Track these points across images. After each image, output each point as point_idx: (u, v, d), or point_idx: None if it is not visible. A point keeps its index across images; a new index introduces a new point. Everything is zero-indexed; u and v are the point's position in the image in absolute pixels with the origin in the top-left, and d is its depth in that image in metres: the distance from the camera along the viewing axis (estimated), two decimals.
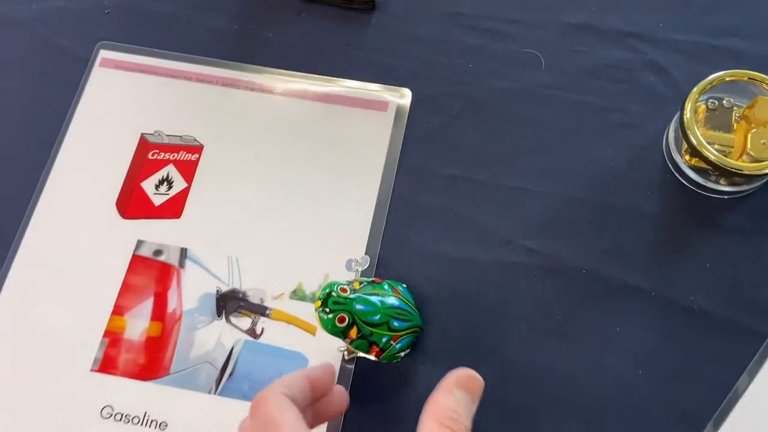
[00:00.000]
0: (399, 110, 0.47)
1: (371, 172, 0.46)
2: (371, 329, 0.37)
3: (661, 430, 0.38)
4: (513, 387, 0.40)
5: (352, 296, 0.37)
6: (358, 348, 0.37)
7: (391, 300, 0.38)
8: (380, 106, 0.48)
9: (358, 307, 0.37)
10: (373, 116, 0.47)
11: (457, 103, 0.48)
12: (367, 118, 0.47)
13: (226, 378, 0.40)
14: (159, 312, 0.42)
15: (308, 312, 0.42)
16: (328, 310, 0.36)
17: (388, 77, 0.49)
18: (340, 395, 0.35)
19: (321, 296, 0.36)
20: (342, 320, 0.36)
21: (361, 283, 0.38)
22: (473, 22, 0.50)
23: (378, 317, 0.37)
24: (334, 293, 0.36)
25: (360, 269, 0.41)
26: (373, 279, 0.40)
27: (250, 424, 0.30)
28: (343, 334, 0.37)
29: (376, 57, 0.49)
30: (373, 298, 0.38)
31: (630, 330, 0.41)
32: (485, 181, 0.45)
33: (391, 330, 0.37)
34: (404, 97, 0.48)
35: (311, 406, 0.33)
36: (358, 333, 0.36)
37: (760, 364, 0.39)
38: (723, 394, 0.39)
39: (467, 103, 0.48)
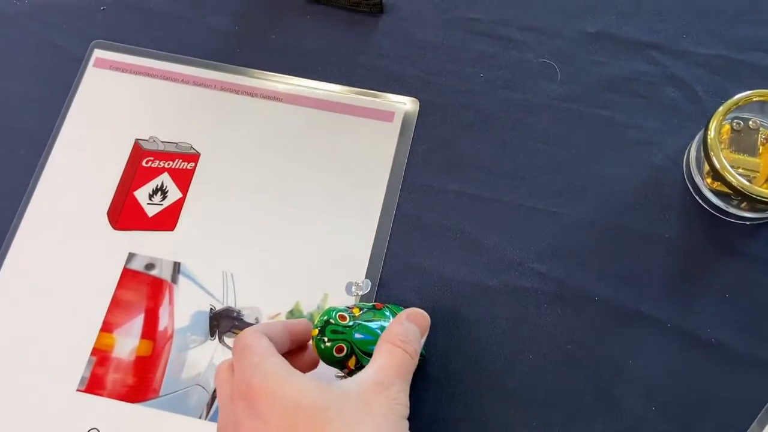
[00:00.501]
0: (405, 121, 0.45)
1: (375, 186, 0.44)
2: (370, 359, 0.35)
3: None
4: (519, 418, 0.38)
5: (351, 324, 0.35)
6: None
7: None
8: (386, 116, 0.45)
9: (357, 336, 0.35)
10: (378, 126, 0.45)
11: (467, 115, 0.46)
12: (372, 129, 0.45)
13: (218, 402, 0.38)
14: (150, 330, 0.40)
15: None
16: (326, 339, 0.34)
17: (395, 85, 0.46)
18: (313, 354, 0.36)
19: (319, 324, 0.34)
20: (340, 350, 0.34)
21: (361, 309, 0.36)
22: (486, 28, 0.48)
23: None
24: (332, 321, 0.34)
25: (360, 293, 0.39)
26: (374, 304, 0.38)
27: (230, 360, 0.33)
28: (340, 364, 0.35)
29: (383, 63, 0.47)
30: (374, 326, 0.36)
31: (643, 362, 0.39)
32: (495, 198, 0.43)
33: None
34: (412, 106, 0.46)
35: (288, 355, 0.34)
36: (356, 363, 0.35)
37: None
38: None
39: (478, 115, 0.45)
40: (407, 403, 0.31)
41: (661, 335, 0.39)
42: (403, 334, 0.34)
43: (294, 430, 0.28)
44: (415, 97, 0.46)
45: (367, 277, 0.41)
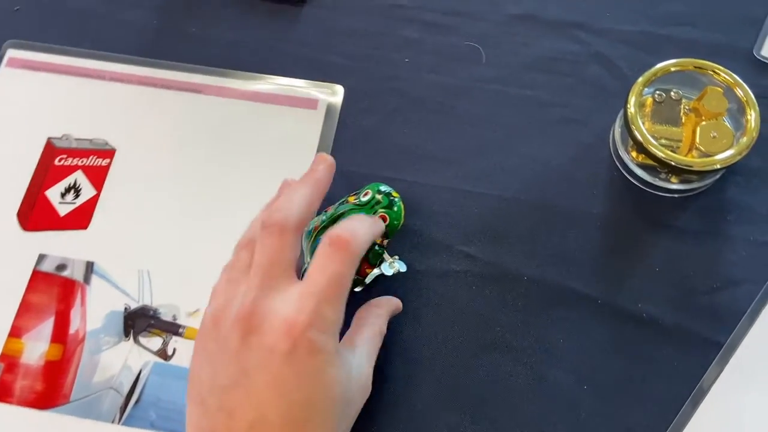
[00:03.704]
0: (330, 108, 0.44)
1: (299, 176, 0.42)
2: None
3: None
4: (447, 405, 0.36)
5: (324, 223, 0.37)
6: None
7: (349, 205, 0.38)
8: (309, 103, 0.44)
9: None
10: (301, 115, 0.44)
11: (392, 100, 0.45)
12: (296, 117, 0.44)
13: (132, 405, 0.36)
14: (60, 333, 0.38)
15: None
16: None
17: (319, 73, 0.45)
18: None
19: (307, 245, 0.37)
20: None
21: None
22: (411, 14, 0.47)
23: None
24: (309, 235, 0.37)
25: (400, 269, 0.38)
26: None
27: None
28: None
29: (306, 52, 0.46)
30: (340, 208, 0.38)
31: (574, 341, 0.37)
32: (422, 183, 0.42)
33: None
34: (335, 94, 0.45)
35: None
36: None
37: (715, 376, 0.36)
38: (674, 411, 0.36)
39: (403, 100, 0.45)
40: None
41: (592, 313, 0.38)
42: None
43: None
44: (340, 84, 0.45)
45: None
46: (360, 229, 0.33)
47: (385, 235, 0.37)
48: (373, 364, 0.34)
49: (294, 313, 0.29)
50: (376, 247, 0.36)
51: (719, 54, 0.42)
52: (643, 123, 0.38)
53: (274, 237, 0.31)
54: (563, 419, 0.36)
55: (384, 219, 0.36)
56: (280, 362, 0.29)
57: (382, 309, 0.37)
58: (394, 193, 0.38)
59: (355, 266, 0.32)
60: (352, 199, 0.38)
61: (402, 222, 0.37)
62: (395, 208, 0.37)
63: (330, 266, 0.31)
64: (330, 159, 0.36)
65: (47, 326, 0.38)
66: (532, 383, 0.37)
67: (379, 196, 0.37)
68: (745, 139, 0.37)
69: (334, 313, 0.30)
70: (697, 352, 0.37)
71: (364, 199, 0.38)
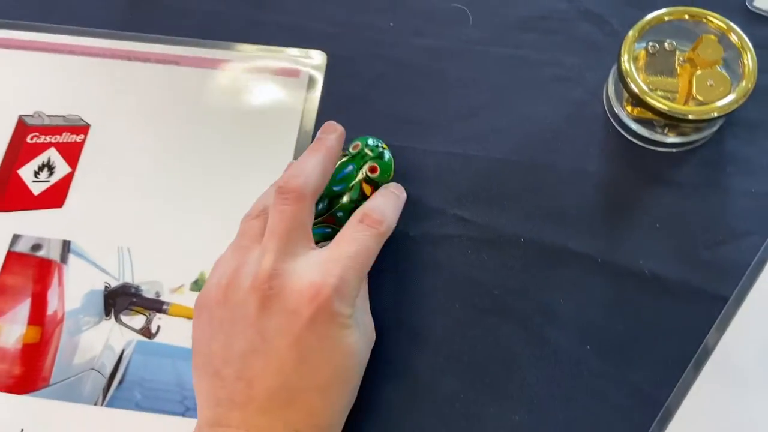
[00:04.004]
0: (312, 75, 0.42)
1: (283, 145, 0.41)
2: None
3: (614, 411, 0.34)
4: (449, 371, 0.35)
5: None
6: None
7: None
8: (291, 72, 0.43)
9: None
10: (283, 83, 0.42)
11: (377, 66, 0.43)
12: (278, 86, 0.42)
13: (115, 386, 0.35)
14: (37, 315, 0.36)
15: None
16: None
17: (300, 40, 0.44)
18: None
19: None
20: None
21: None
22: None
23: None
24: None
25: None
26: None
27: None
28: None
29: (286, 19, 0.44)
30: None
31: (575, 301, 0.36)
32: (411, 148, 0.40)
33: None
34: (318, 60, 0.43)
35: None
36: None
37: (721, 331, 0.35)
38: (681, 368, 0.34)
39: (389, 65, 0.43)
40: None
41: (592, 272, 0.37)
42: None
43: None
44: (322, 51, 0.43)
45: None
46: (388, 209, 0.34)
47: (375, 187, 0.36)
48: (368, 309, 0.34)
49: (320, 277, 0.29)
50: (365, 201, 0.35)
51: (711, 7, 0.41)
52: (638, 75, 0.37)
53: (290, 203, 0.31)
54: (567, 380, 0.34)
55: (374, 170, 0.36)
56: (303, 326, 0.28)
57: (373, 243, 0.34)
58: (383, 145, 0.37)
59: (381, 245, 0.32)
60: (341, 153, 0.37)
61: (392, 174, 0.37)
62: (385, 159, 0.36)
63: (360, 238, 0.31)
64: (340, 128, 0.36)
65: (23, 308, 0.36)
66: (534, 346, 0.35)
67: (367, 149, 0.37)
68: (744, 83, 0.36)
69: (357, 282, 0.30)
70: (701, 308, 0.36)
71: (354, 151, 0.37)
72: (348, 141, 0.37)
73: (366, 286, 0.34)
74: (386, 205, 0.34)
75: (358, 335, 0.31)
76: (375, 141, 0.37)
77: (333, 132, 0.35)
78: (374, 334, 0.33)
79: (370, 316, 0.34)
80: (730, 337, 0.35)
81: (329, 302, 0.29)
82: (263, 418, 0.28)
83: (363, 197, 0.35)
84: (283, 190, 0.31)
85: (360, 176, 0.36)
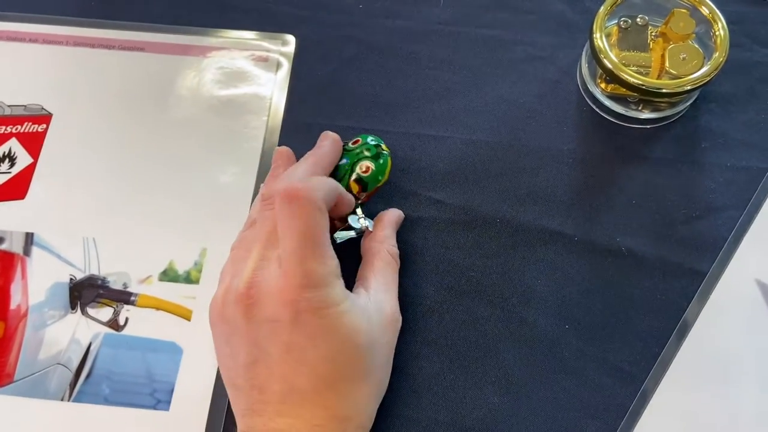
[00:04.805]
0: (281, 59, 0.42)
1: (252, 130, 0.40)
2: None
3: (594, 390, 0.33)
4: (425, 355, 0.34)
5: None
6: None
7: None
8: (260, 57, 0.42)
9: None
10: (252, 68, 0.41)
11: (347, 48, 0.42)
12: (246, 71, 0.41)
13: (83, 381, 0.34)
14: (0, 310, 0.35)
15: (182, 294, 0.35)
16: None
17: (268, 25, 0.43)
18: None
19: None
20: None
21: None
22: None
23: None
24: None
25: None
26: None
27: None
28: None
29: (254, 4, 0.43)
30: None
31: (552, 281, 0.36)
32: (383, 130, 0.39)
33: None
34: (287, 44, 0.42)
35: None
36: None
37: (700, 305, 0.35)
38: (660, 345, 0.34)
39: (359, 47, 0.42)
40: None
41: (568, 250, 0.36)
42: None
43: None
44: (291, 35, 0.42)
45: None
46: (312, 180, 0.31)
47: (363, 187, 0.34)
48: (394, 291, 0.33)
49: (284, 278, 0.28)
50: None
51: None
52: (611, 51, 0.37)
53: (271, 210, 0.30)
54: (546, 361, 0.34)
55: (367, 169, 0.35)
56: (288, 330, 0.28)
57: (383, 230, 0.35)
58: (384, 147, 0.36)
59: (320, 211, 0.29)
60: None
61: (386, 179, 0.35)
62: (381, 161, 0.35)
63: (293, 224, 0.29)
64: (334, 135, 0.35)
65: None
66: (512, 327, 0.35)
67: (365, 148, 0.35)
68: (716, 54, 0.35)
69: (321, 266, 0.29)
70: (679, 283, 0.35)
71: (352, 146, 0.36)
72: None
73: (393, 271, 0.34)
74: (306, 176, 0.32)
75: (359, 316, 0.29)
76: (376, 140, 0.36)
77: (326, 139, 0.35)
78: (397, 318, 0.32)
79: (393, 299, 0.33)
80: (709, 312, 0.35)
81: (302, 299, 0.28)
82: (282, 420, 0.28)
83: (350, 194, 0.34)
84: (264, 197, 0.31)
85: (351, 172, 0.35)
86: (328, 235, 0.30)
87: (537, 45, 0.42)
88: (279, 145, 0.39)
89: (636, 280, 0.36)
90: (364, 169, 0.35)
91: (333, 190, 0.32)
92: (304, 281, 0.28)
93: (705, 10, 0.37)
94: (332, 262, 0.29)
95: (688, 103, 0.39)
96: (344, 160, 0.35)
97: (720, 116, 0.39)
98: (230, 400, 0.31)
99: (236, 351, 0.29)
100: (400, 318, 0.33)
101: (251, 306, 0.29)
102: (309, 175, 0.32)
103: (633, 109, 0.39)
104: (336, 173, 0.35)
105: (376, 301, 0.32)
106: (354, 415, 0.29)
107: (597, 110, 0.40)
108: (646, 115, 0.39)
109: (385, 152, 0.36)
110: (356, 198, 0.35)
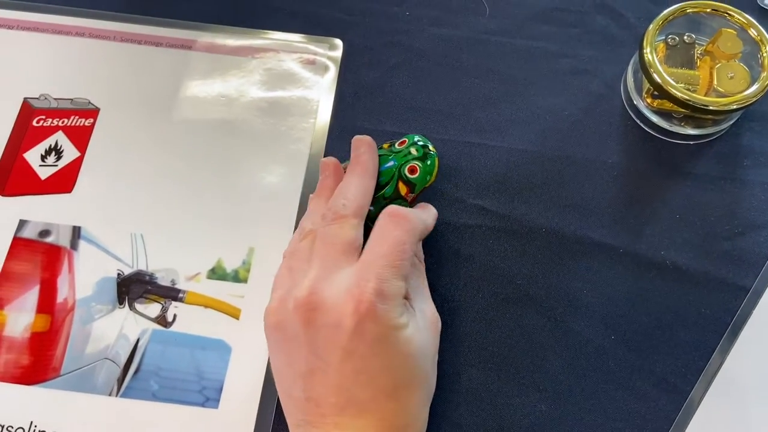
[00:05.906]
0: (329, 64, 0.42)
1: (299, 132, 0.40)
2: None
3: (640, 401, 0.34)
4: (473, 362, 0.35)
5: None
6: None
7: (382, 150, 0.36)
8: (308, 59, 0.42)
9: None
10: (300, 71, 0.42)
11: (394, 55, 0.43)
12: (294, 73, 0.41)
13: (131, 376, 0.33)
14: (46, 303, 0.35)
15: (230, 293, 0.35)
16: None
17: (316, 28, 0.43)
18: None
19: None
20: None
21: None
22: None
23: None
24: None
25: None
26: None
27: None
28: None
29: (302, 7, 0.44)
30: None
31: (597, 291, 0.36)
32: (429, 137, 0.39)
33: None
34: (335, 48, 0.42)
35: None
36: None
37: (744, 321, 0.35)
38: (705, 358, 0.35)
39: (406, 54, 0.43)
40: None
41: (614, 262, 0.37)
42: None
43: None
44: (339, 39, 0.43)
45: None
46: (414, 212, 0.33)
47: (411, 189, 0.34)
48: (428, 293, 0.34)
49: (357, 285, 0.28)
50: (399, 200, 0.34)
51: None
52: (660, 67, 0.37)
53: (333, 225, 0.31)
54: (593, 370, 0.34)
55: (414, 170, 0.34)
56: (349, 338, 0.28)
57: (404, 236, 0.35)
58: (432, 147, 0.36)
59: (416, 239, 0.31)
60: (386, 147, 0.36)
61: (433, 179, 0.35)
62: (428, 162, 0.35)
63: (391, 233, 0.30)
64: (367, 138, 0.35)
65: (31, 296, 0.35)
66: (558, 335, 0.35)
67: (413, 148, 0.35)
68: (764, 74, 0.36)
69: (398, 279, 0.29)
70: (723, 298, 0.36)
71: (399, 147, 0.35)
72: (397, 137, 0.36)
73: (421, 275, 0.34)
74: (410, 209, 0.34)
75: (415, 328, 0.30)
76: (423, 141, 0.36)
77: (363, 146, 0.35)
78: (437, 318, 0.33)
79: (430, 302, 0.33)
80: (752, 327, 0.35)
81: (372, 307, 0.28)
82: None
83: (398, 195, 0.34)
84: (325, 216, 0.32)
85: (398, 174, 0.35)
86: (411, 263, 0.31)
87: (581, 58, 0.42)
88: (326, 148, 0.40)
89: (680, 293, 0.36)
90: (411, 171, 0.35)
91: (428, 228, 0.33)
92: (379, 289, 0.28)
93: (753, 32, 0.38)
94: (404, 285, 0.30)
95: (731, 122, 0.39)
96: (391, 162, 0.35)
97: (762, 135, 0.40)
98: (284, 410, 0.31)
99: (293, 360, 0.29)
100: (440, 318, 0.33)
101: (311, 311, 0.29)
102: (362, 190, 0.33)
103: (677, 125, 0.39)
104: (383, 176, 0.35)
105: (417, 306, 0.32)
106: (411, 423, 0.29)
107: (641, 124, 0.40)
108: (690, 131, 0.39)
109: (432, 153, 0.36)
110: (404, 200, 0.35)
